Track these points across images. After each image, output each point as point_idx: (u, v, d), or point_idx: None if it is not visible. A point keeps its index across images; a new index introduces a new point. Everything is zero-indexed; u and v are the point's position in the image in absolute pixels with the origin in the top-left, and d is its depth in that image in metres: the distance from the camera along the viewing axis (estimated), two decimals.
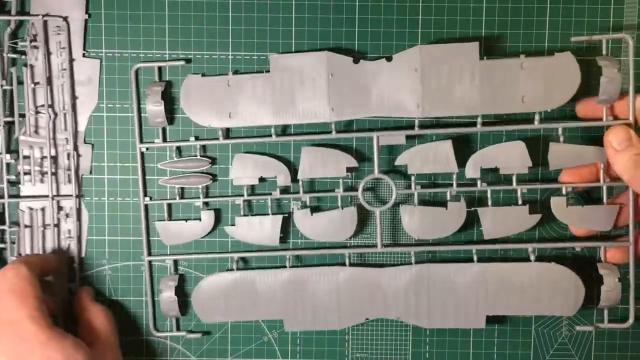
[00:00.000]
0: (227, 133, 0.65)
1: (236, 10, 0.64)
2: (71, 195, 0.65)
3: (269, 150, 0.65)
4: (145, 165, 0.65)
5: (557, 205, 0.63)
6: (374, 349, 0.68)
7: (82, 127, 0.65)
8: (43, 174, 0.65)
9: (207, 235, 0.66)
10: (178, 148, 0.65)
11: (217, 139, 0.64)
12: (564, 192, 0.63)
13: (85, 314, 0.63)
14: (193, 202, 0.66)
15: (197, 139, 0.65)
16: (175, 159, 0.65)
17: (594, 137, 0.63)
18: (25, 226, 0.65)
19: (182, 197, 0.66)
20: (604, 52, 0.62)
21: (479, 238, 0.65)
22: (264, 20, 0.64)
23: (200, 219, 0.65)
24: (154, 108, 0.63)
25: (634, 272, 0.63)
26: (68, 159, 0.64)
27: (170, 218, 0.66)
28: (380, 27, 0.64)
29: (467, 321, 0.65)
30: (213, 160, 0.65)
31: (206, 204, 0.66)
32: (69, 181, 0.65)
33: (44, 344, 0.55)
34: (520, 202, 0.64)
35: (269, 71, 0.63)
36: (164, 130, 0.65)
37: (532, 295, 0.64)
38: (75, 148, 0.65)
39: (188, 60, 0.64)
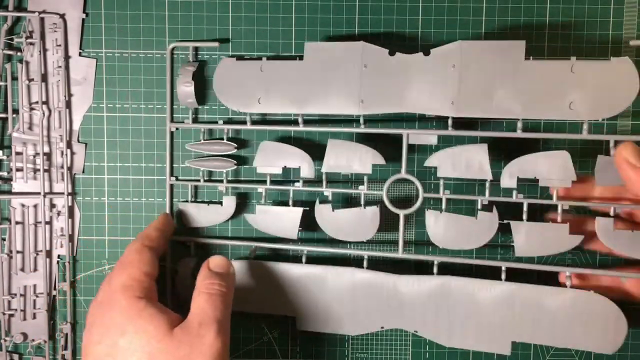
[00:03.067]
0: (257, 118, 0.64)
1: (236, 10, 0.63)
2: (63, 193, 0.64)
3: (295, 138, 0.64)
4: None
5: (603, 227, 0.57)
6: (374, 349, 0.65)
7: (76, 126, 0.65)
8: (35, 171, 0.64)
9: (227, 220, 0.65)
10: (209, 130, 0.65)
11: (246, 123, 0.63)
12: (611, 213, 0.57)
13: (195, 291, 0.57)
14: (217, 187, 0.65)
15: (225, 122, 0.64)
16: (203, 140, 0.64)
17: None
18: (17, 223, 0.65)
19: (207, 181, 0.65)
20: None
21: (509, 254, 0.60)
22: (264, 20, 0.63)
23: (222, 204, 0.64)
24: (185, 88, 0.63)
25: None
26: (61, 156, 0.64)
27: (194, 200, 0.65)
28: (380, 27, 0.62)
29: (490, 345, 0.59)
30: (243, 143, 0.64)
31: (230, 189, 0.65)
32: (62, 179, 0.64)
33: (131, 316, 0.52)
34: (559, 219, 0.58)
35: (302, 58, 0.62)
36: (195, 111, 0.65)
37: (565, 326, 0.57)
38: (69, 146, 0.64)
39: (223, 41, 0.64)
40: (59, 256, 0.66)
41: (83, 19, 0.64)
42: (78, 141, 0.65)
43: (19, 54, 0.63)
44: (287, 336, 0.66)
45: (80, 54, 0.64)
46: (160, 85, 0.64)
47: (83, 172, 0.65)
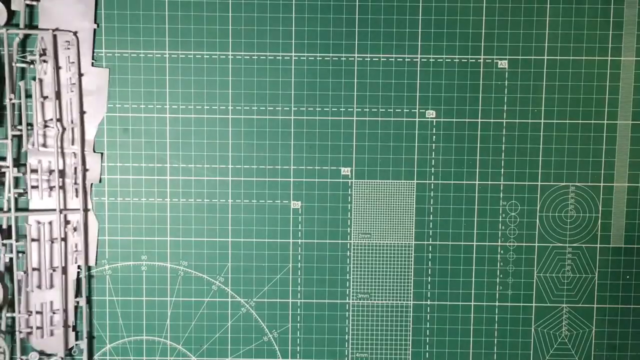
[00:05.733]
0: None
1: (236, 10, 0.63)
2: (78, 209, 0.64)
3: None
4: None
5: None
6: (374, 349, 0.66)
7: (90, 136, 0.65)
8: (51, 188, 0.64)
9: None
10: None
11: None
12: None
13: None
14: None
15: None
16: None
17: None
18: (33, 240, 0.64)
19: None
20: None
21: None
22: (264, 20, 0.63)
23: None
24: None
25: None
26: (75, 172, 0.64)
27: None
28: (380, 27, 0.62)
29: None
30: None
31: None
32: (77, 195, 0.64)
33: None
34: None
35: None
36: None
37: None
38: (83, 162, 0.64)
39: None
40: (78, 266, 0.65)
41: (95, 29, 0.64)
42: (94, 151, 0.65)
43: (32, 66, 0.63)
44: (287, 336, 0.66)
45: (92, 65, 0.64)
46: (161, 85, 0.64)
47: (100, 182, 0.65)
